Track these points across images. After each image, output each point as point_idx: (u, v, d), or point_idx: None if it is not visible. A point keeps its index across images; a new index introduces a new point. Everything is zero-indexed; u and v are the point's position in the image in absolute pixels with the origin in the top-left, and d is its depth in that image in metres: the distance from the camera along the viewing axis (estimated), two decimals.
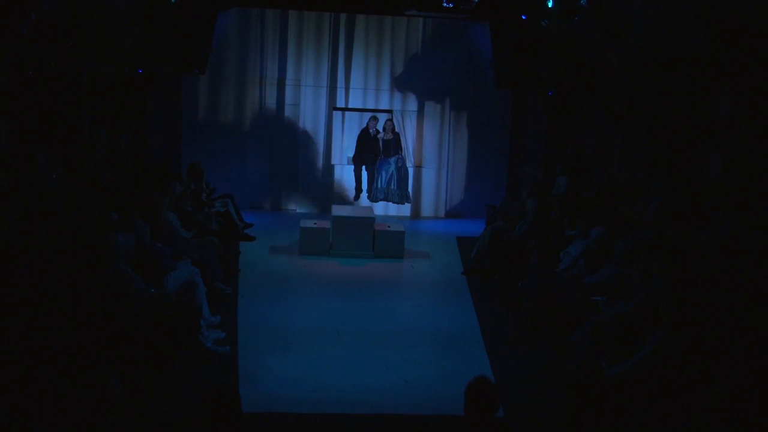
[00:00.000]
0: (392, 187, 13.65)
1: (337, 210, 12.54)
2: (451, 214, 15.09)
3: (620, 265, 7.89)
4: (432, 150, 14.95)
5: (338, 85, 14.63)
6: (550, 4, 11.87)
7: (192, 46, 13.18)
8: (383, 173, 13.62)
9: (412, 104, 14.80)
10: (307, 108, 14.68)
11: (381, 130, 13.77)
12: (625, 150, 11.65)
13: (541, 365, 7.71)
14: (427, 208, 15.09)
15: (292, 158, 14.78)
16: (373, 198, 13.78)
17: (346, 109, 14.68)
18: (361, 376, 7.49)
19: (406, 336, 8.67)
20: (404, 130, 14.60)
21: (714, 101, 9.59)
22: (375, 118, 13.92)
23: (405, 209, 14.66)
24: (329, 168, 14.76)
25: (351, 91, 14.71)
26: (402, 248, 11.87)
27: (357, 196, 14.03)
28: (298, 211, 12.16)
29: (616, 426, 5.74)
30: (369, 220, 11.98)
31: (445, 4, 13.29)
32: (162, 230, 8.96)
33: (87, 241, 7.73)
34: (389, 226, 12.29)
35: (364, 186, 13.92)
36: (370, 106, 14.65)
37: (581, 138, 13.12)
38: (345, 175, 14.50)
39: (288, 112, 14.67)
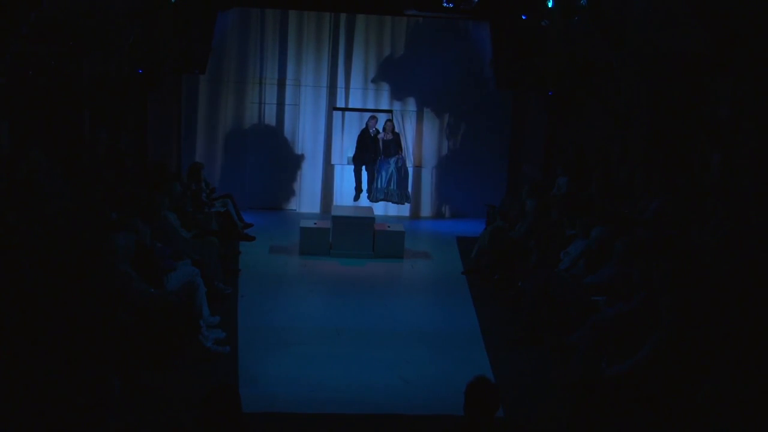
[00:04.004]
0: (392, 187, 13.64)
1: (337, 210, 12.54)
2: (451, 214, 15.10)
3: (620, 265, 7.88)
4: (432, 150, 14.96)
5: (338, 85, 14.63)
6: (550, 4, 11.87)
7: (192, 46, 13.18)
8: (383, 173, 13.62)
9: (412, 104, 14.81)
10: (307, 108, 14.68)
11: (381, 130, 13.77)
12: (625, 150, 11.65)
13: (541, 365, 7.70)
14: (427, 208, 15.09)
15: (292, 158, 14.79)
16: (373, 198, 13.78)
17: (346, 109, 14.68)
18: (361, 376, 7.48)
19: (406, 336, 8.67)
20: (404, 130, 14.61)
21: (714, 101, 9.59)
22: (375, 118, 13.92)
23: (405, 209, 14.66)
24: (329, 168, 14.77)
25: (351, 91, 14.72)
26: (402, 248, 11.87)
27: (357, 196, 14.03)
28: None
29: (616, 426, 5.74)
30: (369, 220, 11.98)
31: (445, 4, 13.29)
32: (162, 230, 8.97)
33: (87, 241, 7.74)
34: (389, 226, 12.29)
35: (364, 186, 13.92)
36: (370, 106, 14.65)
37: (581, 138, 13.11)
38: (345, 175, 14.50)
39: (288, 112, 14.67)
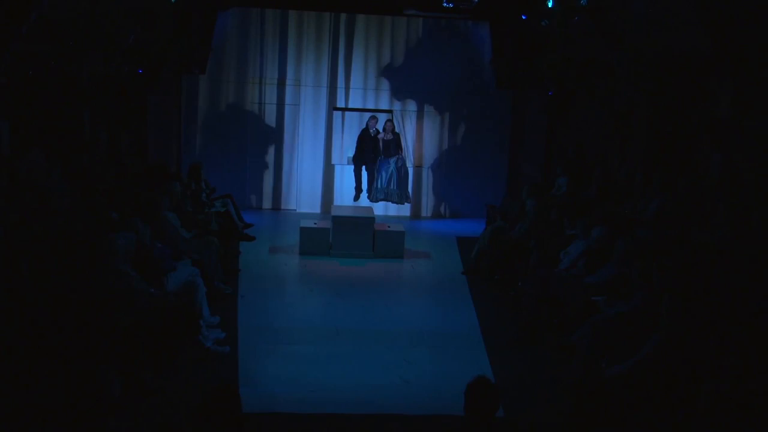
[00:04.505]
0: (392, 187, 13.64)
1: (337, 210, 12.54)
2: (451, 214, 15.10)
3: (620, 265, 7.89)
4: (432, 150, 14.96)
5: (338, 85, 14.63)
6: (550, 4, 11.87)
7: (192, 46, 13.18)
8: (383, 173, 13.61)
9: (412, 104, 14.81)
10: (307, 108, 14.68)
11: (381, 130, 13.77)
12: (625, 150, 11.65)
13: (541, 365, 7.70)
14: (427, 208, 15.09)
15: (292, 158, 14.79)
16: (373, 198, 13.77)
17: (346, 109, 14.67)
18: (361, 376, 7.49)
19: (406, 336, 8.67)
20: (404, 130, 14.61)
21: (714, 101, 9.59)
22: (375, 118, 13.92)
23: (405, 209, 14.66)
24: (329, 168, 14.77)
25: (351, 91, 14.72)
26: (402, 248, 11.86)
27: (357, 196, 14.03)
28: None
29: (616, 426, 5.74)
30: (369, 220, 11.97)
31: (445, 4, 13.29)
32: (162, 230, 8.96)
33: (87, 241, 7.73)
34: (389, 226, 12.28)
35: (364, 186, 13.92)
36: (370, 106, 14.65)
37: (581, 138, 13.11)
38: (345, 175, 14.50)
39: (288, 112, 14.67)
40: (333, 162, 14.71)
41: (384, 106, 14.69)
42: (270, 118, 14.66)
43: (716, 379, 5.45)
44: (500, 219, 11.61)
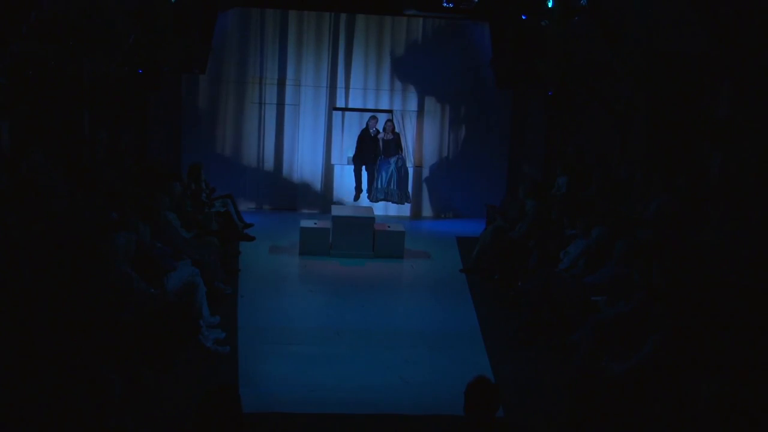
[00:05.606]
0: (392, 187, 13.65)
1: (337, 210, 12.54)
2: (451, 214, 15.10)
3: (620, 265, 7.89)
4: (432, 150, 14.96)
5: (338, 85, 14.64)
6: (550, 4, 11.88)
7: (192, 46, 13.18)
8: (383, 173, 13.62)
9: (412, 104, 14.82)
10: (307, 108, 14.68)
11: (381, 130, 13.77)
12: (625, 150, 11.65)
13: (541, 365, 7.71)
14: (427, 208, 15.10)
15: (292, 158, 14.79)
16: (373, 198, 13.78)
17: (346, 109, 14.69)
18: (361, 376, 7.49)
19: (406, 336, 8.68)
20: (404, 130, 14.62)
21: (714, 101, 9.59)
22: (375, 118, 13.93)
23: (405, 209, 14.66)
24: (329, 168, 14.77)
25: (351, 91, 14.72)
26: (402, 248, 11.86)
27: (357, 196, 14.03)
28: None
29: (616, 426, 5.74)
30: (369, 220, 11.98)
31: (445, 4, 13.30)
32: (162, 230, 8.96)
33: (87, 241, 7.73)
34: (389, 226, 12.28)
35: (364, 186, 13.93)
36: (370, 106, 14.66)
37: (581, 138, 13.11)
38: (345, 175, 14.50)
39: (288, 112, 14.67)
40: (333, 162, 14.71)
41: (384, 106, 14.70)
42: (270, 118, 14.66)
43: (716, 379, 5.44)
44: (500, 219, 11.61)
